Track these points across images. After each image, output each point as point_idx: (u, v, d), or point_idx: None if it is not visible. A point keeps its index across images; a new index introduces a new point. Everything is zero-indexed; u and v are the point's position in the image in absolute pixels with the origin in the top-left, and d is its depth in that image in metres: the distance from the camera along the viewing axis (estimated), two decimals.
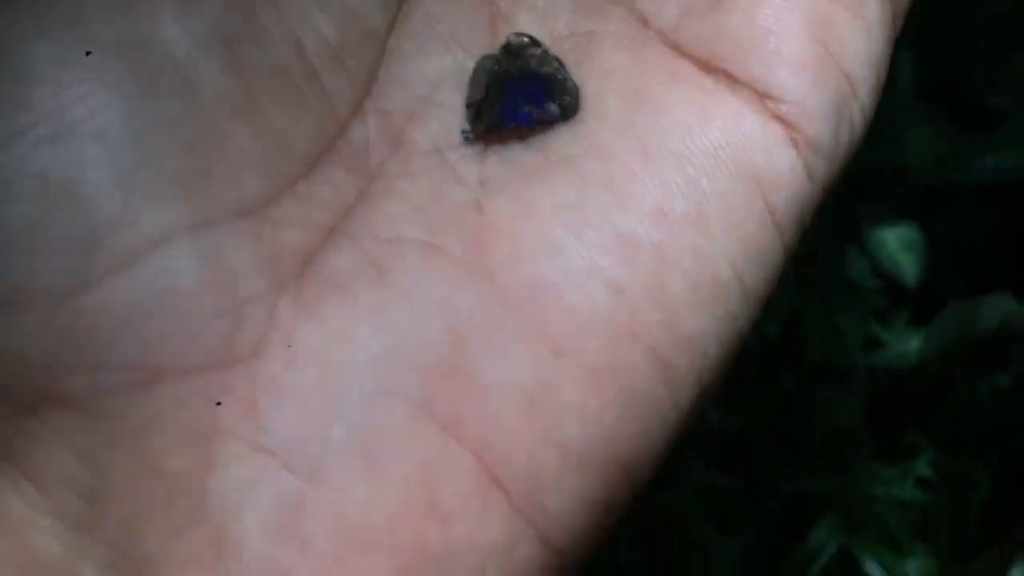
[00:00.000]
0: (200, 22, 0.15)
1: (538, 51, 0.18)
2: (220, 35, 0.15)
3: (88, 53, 0.14)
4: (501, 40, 0.18)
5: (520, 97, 0.17)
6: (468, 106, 0.18)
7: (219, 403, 0.14)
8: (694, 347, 0.16)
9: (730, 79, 0.17)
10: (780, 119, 0.16)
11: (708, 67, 0.17)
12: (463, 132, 0.18)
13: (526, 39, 0.18)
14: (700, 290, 0.16)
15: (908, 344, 0.45)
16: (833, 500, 0.44)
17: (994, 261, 0.46)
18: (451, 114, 0.18)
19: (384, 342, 0.15)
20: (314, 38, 0.16)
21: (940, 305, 0.46)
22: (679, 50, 0.17)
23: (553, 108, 0.17)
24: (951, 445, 0.45)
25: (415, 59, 0.18)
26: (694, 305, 0.16)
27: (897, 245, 0.47)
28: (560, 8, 0.18)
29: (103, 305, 0.14)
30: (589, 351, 0.15)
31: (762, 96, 0.16)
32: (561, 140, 0.17)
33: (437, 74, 0.18)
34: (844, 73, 0.17)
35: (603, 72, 0.17)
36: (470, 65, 0.18)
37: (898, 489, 0.42)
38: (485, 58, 0.18)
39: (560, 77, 0.17)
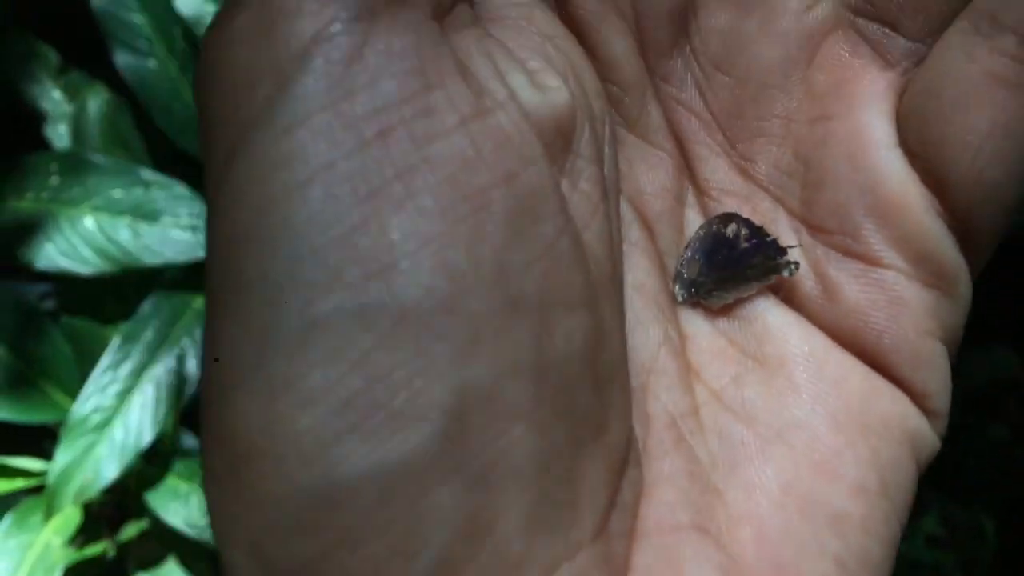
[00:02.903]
0: None
1: (745, 229, 0.19)
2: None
3: None
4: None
5: (730, 268, 0.19)
6: (680, 275, 0.20)
7: None
8: None
9: (884, 369, 0.19)
10: (917, 401, 0.19)
11: (867, 358, 0.19)
12: (678, 293, 0.20)
13: (733, 220, 0.20)
14: (887, 547, 0.18)
15: None
16: None
17: (988, 313, 0.47)
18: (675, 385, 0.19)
19: None
20: None
21: None
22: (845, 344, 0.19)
23: (764, 280, 0.19)
24: (956, 498, 0.45)
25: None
26: (887, 561, 0.18)
27: None
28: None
29: None
30: None
31: (903, 386, 0.19)
32: (764, 412, 0.19)
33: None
34: (951, 347, 0.19)
35: (783, 350, 0.19)
36: None
37: (910, 550, 0.42)
38: (700, 233, 0.20)
39: (768, 240, 0.19)
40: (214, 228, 0.16)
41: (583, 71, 0.19)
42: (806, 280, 0.19)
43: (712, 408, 0.19)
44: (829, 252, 0.19)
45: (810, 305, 0.19)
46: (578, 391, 0.16)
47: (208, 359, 0.16)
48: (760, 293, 0.20)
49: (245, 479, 0.15)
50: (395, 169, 0.15)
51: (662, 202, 0.20)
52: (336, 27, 0.15)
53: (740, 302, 0.20)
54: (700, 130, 0.20)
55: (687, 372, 0.19)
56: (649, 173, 0.20)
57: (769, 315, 0.20)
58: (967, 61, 0.18)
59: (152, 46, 0.51)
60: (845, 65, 0.19)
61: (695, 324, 0.20)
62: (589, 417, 0.17)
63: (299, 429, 0.15)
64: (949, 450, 0.49)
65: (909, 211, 0.18)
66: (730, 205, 0.20)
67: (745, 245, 0.20)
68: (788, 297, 0.20)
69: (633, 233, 0.19)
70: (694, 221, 0.20)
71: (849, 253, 0.19)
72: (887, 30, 0.19)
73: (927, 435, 0.19)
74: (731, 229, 0.20)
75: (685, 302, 0.20)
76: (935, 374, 0.19)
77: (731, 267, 0.19)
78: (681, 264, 0.20)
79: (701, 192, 0.20)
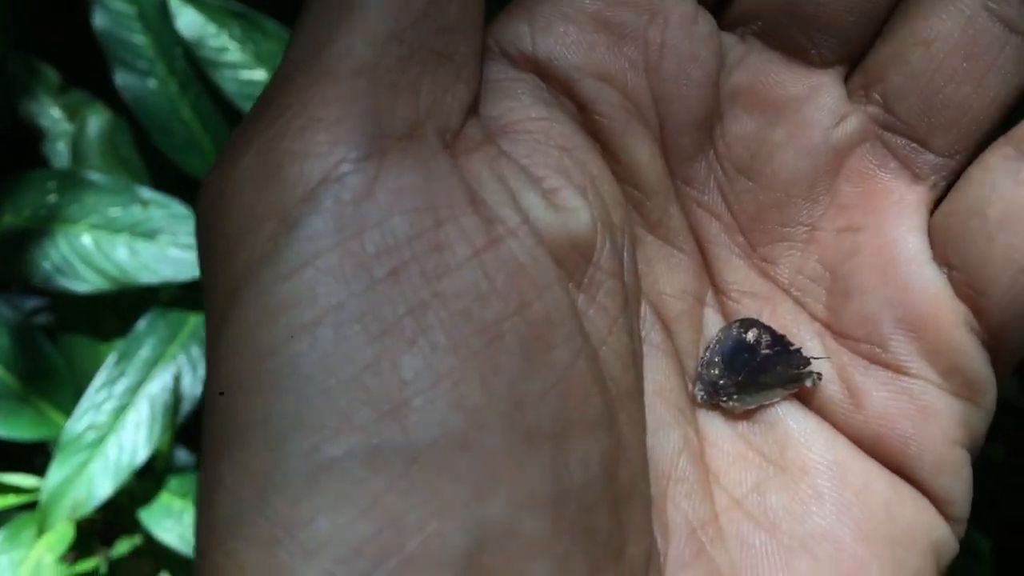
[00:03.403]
0: None
1: (767, 336, 0.19)
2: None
3: None
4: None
5: (751, 374, 0.19)
6: (701, 376, 0.19)
7: None
8: None
9: (904, 472, 0.19)
10: (939, 508, 0.19)
11: (889, 463, 0.19)
12: (698, 394, 0.19)
13: (755, 325, 0.19)
14: None
15: None
16: None
17: None
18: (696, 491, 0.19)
19: None
20: None
21: None
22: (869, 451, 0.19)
23: (786, 388, 0.19)
24: None
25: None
26: None
27: None
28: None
29: None
30: None
31: (925, 493, 0.19)
32: (787, 521, 0.18)
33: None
34: (974, 453, 0.19)
35: (806, 457, 0.19)
36: None
37: None
38: (721, 337, 0.20)
39: (792, 350, 0.19)
40: (215, 370, 0.15)
41: (603, 181, 0.18)
42: (830, 385, 0.19)
43: (733, 516, 0.19)
44: (856, 359, 0.19)
45: (834, 410, 0.19)
46: (596, 515, 0.16)
47: (203, 507, 0.15)
48: (782, 399, 0.19)
49: None
50: (407, 306, 0.15)
51: (682, 303, 0.20)
52: (345, 167, 0.15)
53: (761, 408, 0.19)
54: (721, 233, 0.20)
55: (707, 478, 0.19)
56: (669, 274, 0.19)
57: (790, 420, 0.19)
58: (1014, 185, 0.18)
59: (153, 66, 0.52)
60: (873, 178, 0.20)
61: (715, 428, 0.19)
62: (608, 540, 0.16)
63: None
64: None
65: (942, 325, 0.19)
66: (750, 306, 0.20)
67: (767, 352, 0.19)
68: (810, 401, 0.19)
69: (653, 335, 0.19)
70: (713, 322, 0.20)
71: (877, 361, 0.19)
72: (916, 145, 0.19)
73: (949, 542, 0.19)
74: (752, 334, 0.19)
75: (705, 404, 0.19)
76: (959, 482, 0.19)
77: (752, 373, 0.19)
78: (701, 365, 0.20)
79: (720, 292, 0.20)
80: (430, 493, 0.14)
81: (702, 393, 0.19)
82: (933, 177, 0.19)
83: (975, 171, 0.19)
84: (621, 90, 0.18)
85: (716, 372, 0.19)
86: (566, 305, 0.16)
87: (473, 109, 0.17)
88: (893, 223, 0.19)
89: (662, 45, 0.18)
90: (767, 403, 0.19)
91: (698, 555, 0.18)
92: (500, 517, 0.15)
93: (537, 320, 0.16)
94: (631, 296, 0.18)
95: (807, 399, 0.19)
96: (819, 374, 0.19)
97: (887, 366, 0.19)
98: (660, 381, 0.19)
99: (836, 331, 0.19)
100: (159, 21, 0.51)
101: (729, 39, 0.19)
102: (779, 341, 0.19)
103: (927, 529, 0.19)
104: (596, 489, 0.16)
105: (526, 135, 0.18)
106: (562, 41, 0.18)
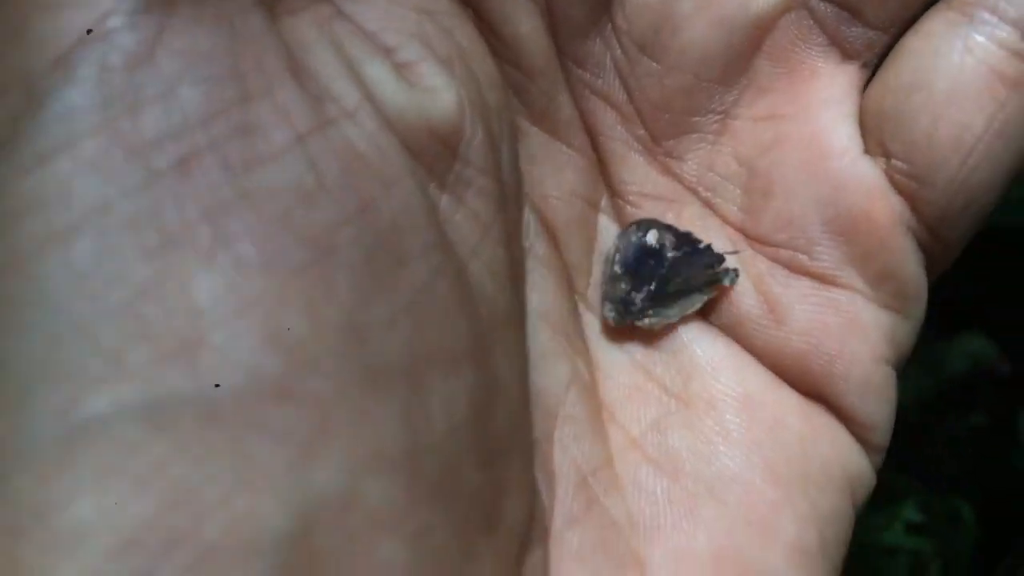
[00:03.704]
0: None
1: (670, 236, 0.17)
2: None
3: None
4: None
5: (662, 283, 0.17)
6: (608, 294, 0.17)
7: None
8: None
9: (822, 401, 0.17)
10: (859, 435, 0.18)
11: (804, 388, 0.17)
12: (609, 316, 0.17)
13: (653, 226, 0.17)
14: None
15: None
16: None
17: (965, 302, 0.47)
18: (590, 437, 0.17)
19: None
20: None
21: (914, 348, 0.47)
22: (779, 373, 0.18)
23: (703, 293, 0.17)
24: (935, 486, 0.45)
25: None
26: None
27: None
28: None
29: None
30: None
31: (846, 418, 0.18)
32: (691, 463, 0.17)
33: None
34: (897, 368, 0.18)
35: (712, 389, 0.17)
36: None
37: (888, 536, 0.42)
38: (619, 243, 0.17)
39: (701, 247, 0.17)
40: None
41: (475, 56, 0.15)
42: (746, 299, 0.17)
43: (630, 458, 0.16)
44: (775, 268, 0.17)
45: (750, 328, 0.17)
46: (463, 474, 0.13)
47: None
48: (690, 317, 0.17)
49: None
50: (201, 209, 0.11)
51: (571, 208, 0.17)
52: (115, 20, 0.11)
53: (682, 321, 0.17)
54: (618, 124, 0.17)
55: (600, 416, 0.16)
56: (556, 174, 0.17)
57: (697, 345, 0.17)
58: (963, 53, 0.16)
59: None
60: (798, 56, 0.17)
61: (609, 357, 0.17)
62: (479, 503, 0.13)
63: None
64: (927, 437, 0.49)
65: (875, 226, 0.17)
66: (652, 210, 0.17)
67: (674, 254, 0.17)
68: (723, 318, 0.17)
69: (537, 246, 0.16)
70: (608, 229, 0.17)
71: (799, 270, 0.17)
72: (847, 15, 0.17)
73: (865, 474, 0.18)
74: (652, 237, 0.17)
75: (618, 326, 0.17)
76: (883, 405, 0.17)
77: (662, 281, 0.17)
78: (605, 281, 0.17)
79: (617, 195, 0.17)
80: (236, 458, 0.11)
81: (612, 314, 0.17)
82: (866, 55, 0.17)
83: (914, 41, 0.17)
84: None
85: (624, 287, 0.17)
86: (422, 208, 0.13)
87: None
88: (820, 110, 0.17)
89: None
90: (687, 313, 0.17)
91: (589, 507, 0.16)
92: (334, 484, 0.11)
93: (382, 227, 0.13)
94: (510, 199, 0.15)
95: (721, 316, 0.17)
96: (736, 270, 0.17)
97: (811, 275, 0.17)
98: (545, 303, 0.16)
99: (753, 236, 0.17)
100: None
101: None
102: (685, 240, 0.17)
103: (843, 464, 0.17)
104: (463, 441, 0.13)
105: None
106: None
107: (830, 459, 0.17)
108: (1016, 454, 0.47)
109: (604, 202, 0.18)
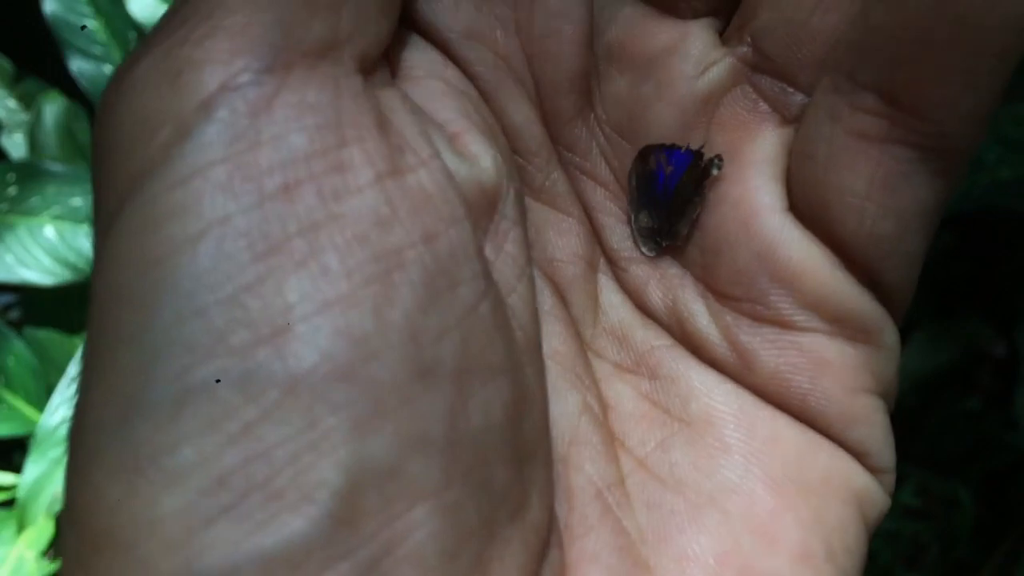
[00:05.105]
0: None
1: (663, 154, 0.19)
2: None
3: None
4: None
5: (669, 197, 0.19)
6: (637, 232, 0.19)
7: None
8: None
9: (818, 426, 0.18)
10: (857, 459, 0.18)
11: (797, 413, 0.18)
12: (647, 250, 0.19)
13: (652, 152, 0.19)
14: None
15: None
16: None
17: (960, 285, 0.47)
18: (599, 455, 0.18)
19: None
20: None
21: (910, 331, 0.47)
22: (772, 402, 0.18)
23: (700, 190, 0.18)
24: (932, 469, 0.45)
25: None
26: None
27: None
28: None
29: None
30: None
31: (847, 448, 0.18)
32: (694, 477, 0.17)
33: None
34: (889, 397, 0.18)
35: (710, 408, 0.18)
36: None
37: (886, 520, 0.42)
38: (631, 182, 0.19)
39: (683, 152, 0.18)
40: (96, 283, 0.14)
41: (498, 131, 0.18)
42: (719, 347, 0.18)
43: (639, 477, 0.18)
44: (739, 318, 0.18)
45: (728, 372, 0.18)
46: (495, 467, 0.15)
47: (71, 438, 0.14)
48: (677, 353, 0.19)
49: (97, 570, 0.13)
50: (298, 226, 0.14)
51: (574, 268, 0.19)
52: (245, 77, 0.14)
53: (691, 233, 0.19)
54: (605, 199, 0.19)
55: (611, 441, 0.18)
56: (559, 239, 0.19)
57: (692, 374, 0.18)
58: (833, 121, 0.17)
59: (107, 51, 0.51)
60: (743, 124, 0.18)
61: (615, 390, 0.19)
62: (507, 496, 0.15)
63: (163, 510, 0.13)
64: (924, 421, 0.49)
65: (815, 273, 0.18)
66: (639, 274, 0.19)
67: (670, 169, 0.19)
68: (707, 362, 0.18)
69: (545, 300, 0.18)
70: (607, 287, 0.19)
71: (760, 319, 0.18)
72: (784, 85, 0.18)
73: (875, 493, 0.18)
74: (652, 161, 0.19)
75: (659, 254, 0.19)
76: (872, 430, 0.18)
77: (669, 196, 0.19)
78: (632, 223, 0.19)
79: (611, 262, 0.19)
80: (305, 425, 0.13)
81: (650, 246, 0.19)
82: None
83: (807, 111, 0.18)
84: (492, 48, 0.18)
85: (646, 220, 0.19)
86: (473, 245, 0.16)
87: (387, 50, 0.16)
88: (752, 172, 0.18)
89: (531, 1, 0.18)
90: (695, 215, 0.19)
91: (603, 518, 0.17)
92: (382, 455, 0.14)
93: (442, 254, 0.15)
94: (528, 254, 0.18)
95: (704, 359, 0.19)
96: (719, 156, 0.18)
97: (772, 322, 0.18)
98: (555, 346, 0.18)
99: (715, 291, 0.18)
100: (111, 5, 0.50)
101: None
102: (672, 153, 0.19)
103: (845, 478, 0.18)
104: (496, 439, 0.15)
105: (426, 81, 0.17)
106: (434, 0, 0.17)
107: (830, 471, 0.18)
108: (1013, 436, 0.47)
109: (602, 263, 0.19)
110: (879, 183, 0.17)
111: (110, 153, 0.15)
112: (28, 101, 0.52)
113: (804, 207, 0.18)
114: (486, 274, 0.16)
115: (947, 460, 0.46)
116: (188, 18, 0.15)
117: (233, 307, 0.14)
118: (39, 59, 0.52)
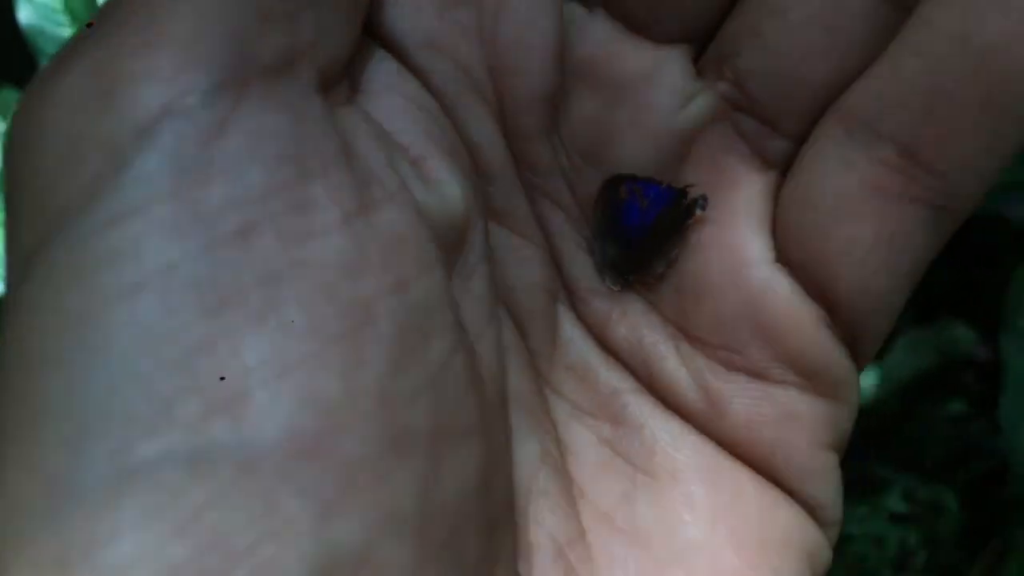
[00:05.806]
0: None
1: (638, 186, 0.18)
2: None
3: None
4: None
5: (646, 233, 0.18)
6: (601, 265, 0.18)
7: None
8: None
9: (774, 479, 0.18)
10: (810, 512, 0.18)
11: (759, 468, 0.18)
12: (611, 284, 0.18)
13: (624, 182, 0.18)
14: None
15: (866, 379, 0.45)
16: None
17: (944, 289, 0.47)
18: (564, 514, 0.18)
19: None
20: None
21: (894, 336, 0.47)
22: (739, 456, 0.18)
23: (682, 226, 0.18)
24: (917, 474, 0.45)
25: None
26: None
27: None
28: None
29: None
30: None
31: (794, 497, 0.18)
32: (659, 533, 0.17)
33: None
34: (841, 452, 0.18)
35: (675, 462, 0.18)
36: None
37: (872, 526, 0.42)
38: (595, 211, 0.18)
39: (665, 188, 0.18)
40: (7, 341, 0.12)
41: (463, 154, 0.16)
42: (688, 392, 0.18)
43: (602, 531, 0.17)
44: (713, 364, 0.18)
45: (696, 418, 0.18)
46: (467, 539, 0.14)
47: None
48: (641, 398, 0.18)
49: None
50: (256, 275, 0.12)
51: (534, 299, 0.18)
52: (193, 98, 0.12)
53: (673, 265, 0.18)
54: (566, 225, 0.18)
55: (571, 490, 0.17)
56: (519, 268, 0.18)
57: (656, 422, 0.18)
58: (845, 170, 0.16)
59: None
60: (721, 165, 0.18)
61: (576, 433, 0.18)
62: (478, 569, 0.14)
63: None
64: (909, 426, 0.49)
65: (797, 331, 0.17)
66: (599, 307, 0.18)
67: (646, 203, 0.18)
68: (671, 406, 0.18)
69: (505, 334, 0.17)
70: (566, 319, 0.18)
71: (735, 367, 0.18)
72: (767, 129, 0.18)
73: (822, 548, 0.18)
74: (624, 192, 0.18)
75: (626, 289, 0.18)
76: (828, 485, 0.18)
77: (645, 232, 0.18)
78: (594, 253, 0.18)
79: (571, 292, 0.18)
80: (266, 509, 0.12)
81: (612, 283, 0.18)
82: (784, 164, 0.18)
83: (807, 153, 0.17)
84: (454, 59, 0.16)
85: (613, 252, 0.18)
86: (445, 291, 0.14)
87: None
88: (738, 217, 0.18)
89: (497, 9, 0.16)
90: (674, 255, 0.18)
91: None
92: (352, 541, 0.12)
93: (414, 304, 0.14)
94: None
95: (670, 404, 0.18)
96: (704, 196, 0.18)
97: (746, 371, 0.18)
98: (515, 385, 0.17)
99: (690, 335, 0.18)
100: (86, 13, 0.49)
101: (573, 7, 0.17)
102: (648, 186, 0.18)
103: (801, 535, 0.18)
104: (469, 508, 0.14)
105: (385, 96, 0.15)
106: (392, 4, 0.16)
107: (788, 530, 0.18)
108: (998, 440, 0.47)
109: (562, 293, 0.18)
110: (886, 239, 0.16)
111: (27, 185, 0.12)
112: (5, 111, 0.52)
113: (797, 257, 0.17)
114: (457, 324, 0.14)
115: (932, 465, 0.46)
116: (123, 23, 0.12)
117: (180, 372, 0.12)
118: (14, 68, 0.52)
